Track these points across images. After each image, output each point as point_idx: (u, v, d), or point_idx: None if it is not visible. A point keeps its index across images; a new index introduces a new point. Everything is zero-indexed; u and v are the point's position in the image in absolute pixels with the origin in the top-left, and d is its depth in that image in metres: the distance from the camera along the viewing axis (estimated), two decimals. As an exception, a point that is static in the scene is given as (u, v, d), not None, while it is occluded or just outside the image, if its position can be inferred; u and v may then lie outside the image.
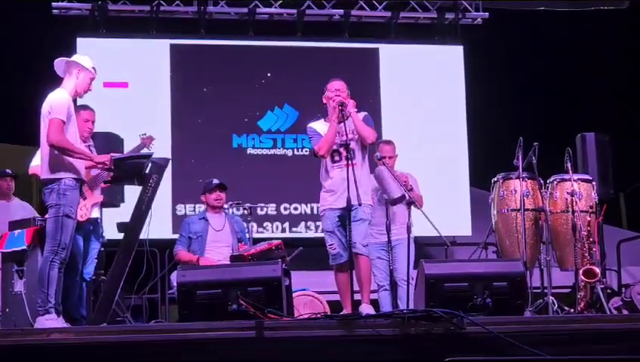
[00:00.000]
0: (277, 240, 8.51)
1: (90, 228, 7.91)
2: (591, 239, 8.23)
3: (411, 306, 7.72)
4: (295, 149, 12.17)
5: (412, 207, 8.29)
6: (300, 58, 12.41)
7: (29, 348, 5.98)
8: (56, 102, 6.96)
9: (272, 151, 12.14)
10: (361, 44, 12.67)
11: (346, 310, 7.43)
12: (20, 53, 11.25)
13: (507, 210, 8.49)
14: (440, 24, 12.75)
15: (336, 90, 7.72)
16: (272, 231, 11.65)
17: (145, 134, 8.63)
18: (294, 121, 12.15)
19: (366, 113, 7.95)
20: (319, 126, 7.85)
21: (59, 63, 7.20)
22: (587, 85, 12.58)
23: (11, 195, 9.80)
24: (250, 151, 12.10)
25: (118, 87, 11.84)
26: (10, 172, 9.77)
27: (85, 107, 8.08)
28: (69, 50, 8.54)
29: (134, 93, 11.88)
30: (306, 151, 11.57)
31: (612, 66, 12.51)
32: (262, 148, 12.13)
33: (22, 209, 9.51)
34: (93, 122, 8.08)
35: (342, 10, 12.55)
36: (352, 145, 7.58)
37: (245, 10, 12.33)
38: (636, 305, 8.37)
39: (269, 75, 12.26)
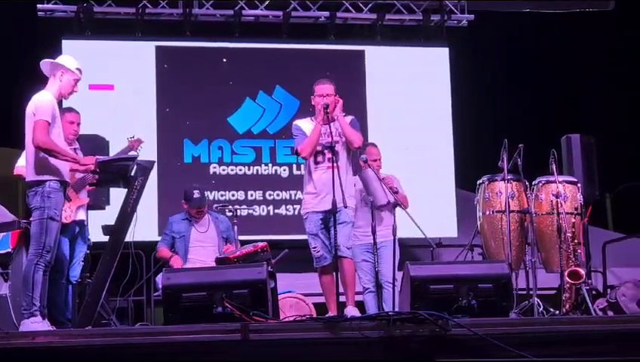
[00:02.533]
0: (262, 243, 8.50)
1: (77, 230, 7.89)
2: (576, 241, 8.25)
3: (396, 308, 7.74)
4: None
5: (397, 209, 8.32)
6: (286, 60, 12.42)
7: (14, 351, 5.95)
8: (40, 103, 6.95)
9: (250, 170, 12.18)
10: (347, 46, 12.67)
11: (331, 312, 7.44)
12: (5, 55, 11.21)
13: (492, 212, 8.49)
14: (425, 26, 12.76)
15: (323, 93, 7.71)
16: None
17: (133, 137, 8.63)
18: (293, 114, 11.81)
19: (353, 117, 7.96)
20: (305, 124, 7.84)
21: (44, 65, 7.19)
22: (572, 87, 12.62)
23: None
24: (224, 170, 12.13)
25: (104, 90, 11.82)
26: None
27: (70, 109, 8.07)
28: (55, 52, 8.51)
29: (120, 95, 11.85)
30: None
31: (598, 68, 12.56)
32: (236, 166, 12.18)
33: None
34: (78, 124, 8.06)
35: (327, 13, 12.55)
36: (338, 147, 7.59)
37: (231, 12, 12.32)
38: (621, 307, 8.39)
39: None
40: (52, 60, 7.21)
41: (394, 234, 8.26)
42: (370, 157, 8.41)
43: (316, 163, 7.68)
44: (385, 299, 8.40)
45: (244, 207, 10.83)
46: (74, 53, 7.76)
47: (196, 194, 9.06)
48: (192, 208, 9.03)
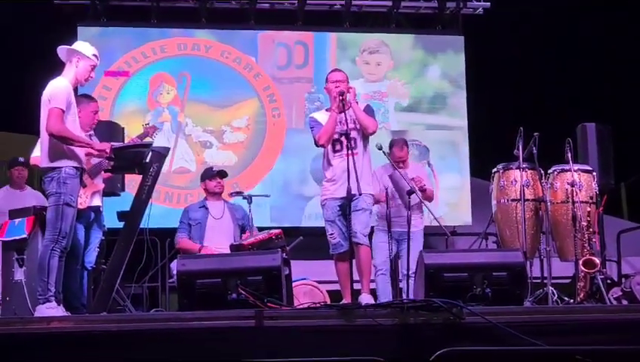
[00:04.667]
0: (277, 230, 8.49)
1: (92, 216, 7.89)
2: (591, 229, 8.22)
3: (411, 296, 7.75)
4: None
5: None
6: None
7: (29, 336, 5.98)
8: (55, 90, 6.96)
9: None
10: (362, 33, 12.65)
11: (346, 299, 7.44)
12: (22, 42, 11.25)
13: (507, 201, 8.48)
14: (441, 14, 12.74)
15: (336, 80, 7.75)
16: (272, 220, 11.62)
17: (148, 123, 8.65)
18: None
19: (367, 103, 8.03)
20: (320, 116, 7.88)
21: (61, 51, 7.21)
22: (588, 75, 12.56)
23: (24, 184, 9.81)
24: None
25: (120, 76, 11.86)
26: (22, 160, 9.74)
27: (92, 98, 8.08)
28: (70, 38, 8.52)
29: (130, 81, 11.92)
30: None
31: (614, 56, 12.50)
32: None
33: (35, 198, 9.51)
34: (97, 112, 8.09)
35: (343, 0, 12.52)
36: (353, 134, 7.60)
37: (246, -1, 12.34)
38: (636, 296, 8.38)
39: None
40: (68, 47, 7.21)
41: (408, 223, 8.40)
42: (392, 159, 8.60)
43: (334, 151, 7.70)
44: (403, 289, 8.46)
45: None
46: (89, 39, 7.78)
47: (215, 168, 9.12)
48: (213, 179, 9.05)
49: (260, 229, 9.02)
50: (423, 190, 8.66)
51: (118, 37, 12.03)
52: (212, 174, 9.13)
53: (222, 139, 12.13)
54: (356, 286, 7.54)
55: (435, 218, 9.20)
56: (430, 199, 8.86)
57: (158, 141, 10.78)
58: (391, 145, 9.04)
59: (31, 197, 9.55)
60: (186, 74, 12.14)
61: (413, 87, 12.54)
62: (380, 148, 8.49)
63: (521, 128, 8.27)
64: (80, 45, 7.27)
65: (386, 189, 8.64)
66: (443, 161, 12.31)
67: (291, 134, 12.21)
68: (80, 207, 7.44)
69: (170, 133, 11.98)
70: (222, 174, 9.16)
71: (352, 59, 12.43)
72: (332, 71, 8.05)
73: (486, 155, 10.82)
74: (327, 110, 7.89)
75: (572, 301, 8.00)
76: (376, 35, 12.66)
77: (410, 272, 8.36)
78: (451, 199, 12.20)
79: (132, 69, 12.02)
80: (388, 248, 8.59)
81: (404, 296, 8.22)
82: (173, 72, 12.16)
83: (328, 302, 7.98)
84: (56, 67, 7.24)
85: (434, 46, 12.66)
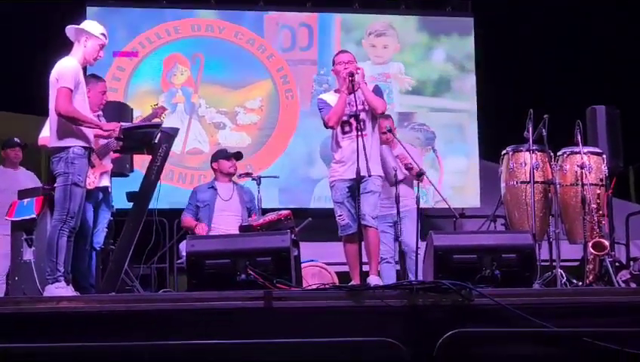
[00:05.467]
0: (286, 211, 8.50)
1: (101, 196, 7.88)
2: (600, 212, 8.21)
3: (419, 277, 7.76)
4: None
5: (422, 179, 8.43)
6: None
7: (38, 315, 6.00)
8: (64, 70, 6.95)
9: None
10: (372, 15, 12.62)
11: (355, 281, 7.44)
12: (30, 21, 11.22)
13: (516, 183, 8.45)
14: (451, -5, 12.72)
15: (345, 61, 7.72)
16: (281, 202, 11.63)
17: (157, 104, 8.63)
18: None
19: (376, 84, 7.99)
20: (329, 97, 7.84)
21: (69, 30, 7.19)
22: (599, 57, 12.52)
23: (18, 164, 9.81)
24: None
25: (128, 57, 11.86)
26: (18, 141, 9.77)
27: (99, 78, 8.07)
28: (79, 18, 8.49)
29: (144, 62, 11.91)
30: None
31: (624, 38, 12.44)
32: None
33: (29, 178, 9.52)
34: (106, 93, 8.08)
35: (352, -19, 12.51)
36: (363, 115, 7.57)
37: (256, -21, 12.31)
38: (644, 279, 8.37)
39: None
40: (77, 26, 7.19)
41: (417, 203, 8.32)
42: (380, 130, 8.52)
43: (344, 132, 7.66)
44: (409, 269, 8.43)
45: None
46: (98, 19, 7.76)
47: (229, 150, 9.14)
48: (229, 160, 9.05)
49: (264, 212, 9.00)
50: (409, 168, 8.56)
51: (128, 17, 12.02)
52: (228, 155, 9.13)
53: (235, 121, 12.13)
54: (365, 268, 7.54)
55: (444, 199, 9.20)
56: (416, 178, 8.69)
57: (172, 122, 10.96)
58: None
59: (24, 177, 9.55)
60: (200, 55, 12.14)
61: (418, 69, 12.53)
62: (389, 131, 8.51)
63: (531, 110, 8.23)
64: (88, 24, 7.25)
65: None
66: (450, 145, 12.31)
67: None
68: (88, 187, 7.44)
69: (184, 114, 11.99)
70: (238, 156, 9.17)
71: (357, 41, 12.40)
72: (339, 52, 7.99)
73: (495, 138, 10.79)
74: (335, 91, 7.86)
75: (581, 283, 7.99)
76: (381, 17, 12.63)
77: (410, 252, 8.44)
78: (457, 182, 12.20)
79: (146, 49, 12.02)
80: (389, 238, 8.57)
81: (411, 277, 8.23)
82: (186, 53, 12.17)
83: (337, 284, 7.98)
84: (65, 47, 7.23)
85: (439, 29, 12.64)
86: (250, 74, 12.26)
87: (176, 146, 11.42)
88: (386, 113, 8.36)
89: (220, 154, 9.22)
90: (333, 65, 7.86)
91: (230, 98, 12.15)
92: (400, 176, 8.41)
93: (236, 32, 12.24)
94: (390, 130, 8.58)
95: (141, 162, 8.71)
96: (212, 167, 9.20)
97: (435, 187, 8.64)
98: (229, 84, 12.17)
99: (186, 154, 11.85)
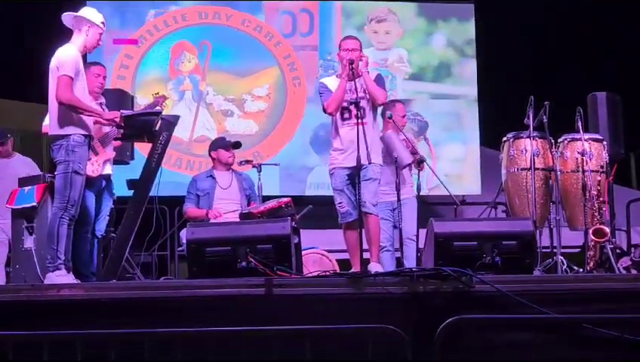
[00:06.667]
0: (286, 198, 8.49)
1: (103, 184, 7.87)
2: (601, 199, 8.21)
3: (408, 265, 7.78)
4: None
5: (418, 166, 8.44)
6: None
7: (39, 303, 6.01)
8: (64, 58, 6.95)
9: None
10: (373, 2, 12.60)
11: (355, 268, 7.44)
12: (29, 8, 11.19)
13: (517, 170, 8.45)
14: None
15: (348, 47, 7.69)
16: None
17: (157, 93, 8.61)
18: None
19: (379, 73, 7.98)
20: (330, 82, 7.81)
21: (67, 17, 7.18)
22: (600, 44, 12.49)
23: (11, 152, 9.69)
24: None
25: (128, 44, 11.85)
26: (7, 135, 9.64)
27: (96, 63, 8.06)
28: (79, 5, 8.47)
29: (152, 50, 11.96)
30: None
31: (625, 24, 12.42)
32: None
33: (23, 164, 9.47)
34: (104, 77, 8.03)
35: (353, -33, 12.48)
36: (363, 103, 7.55)
37: (256, -33, 12.28)
38: (645, 265, 8.37)
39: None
40: (75, 14, 7.19)
41: (418, 190, 8.33)
42: (399, 113, 8.55)
43: (343, 119, 7.64)
44: (407, 256, 8.43)
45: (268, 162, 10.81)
46: (98, 6, 7.75)
47: (231, 138, 9.15)
48: (228, 150, 9.04)
49: (264, 199, 9.00)
50: (413, 153, 8.54)
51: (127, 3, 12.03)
52: (227, 144, 9.10)
53: (243, 108, 12.11)
54: (365, 255, 7.54)
55: (445, 186, 9.20)
56: (417, 164, 8.67)
57: (180, 110, 11.16)
58: (390, 108, 8.78)
59: (19, 164, 9.49)
60: (207, 42, 12.13)
61: (418, 55, 12.52)
62: (390, 118, 8.50)
63: (532, 97, 8.22)
64: (88, 12, 7.24)
65: None
66: (448, 132, 12.30)
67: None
68: (92, 174, 7.46)
69: (192, 102, 11.99)
70: (236, 145, 9.16)
71: (358, 27, 12.35)
72: (345, 38, 7.95)
73: (496, 124, 10.79)
74: (337, 76, 7.84)
75: (581, 270, 7.99)
76: (382, 2, 12.61)
77: (405, 239, 8.44)
78: (457, 170, 12.19)
79: (153, 37, 12.02)
80: (388, 225, 8.56)
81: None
82: (194, 40, 12.16)
83: (338, 271, 7.99)
84: (64, 35, 7.22)
85: (438, 14, 12.60)
86: (258, 61, 12.24)
87: (184, 134, 11.57)
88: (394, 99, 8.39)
89: (219, 143, 9.19)
90: (339, 50, 7.83)
91: (238, 85, 12.15)
92: (409, 160, 8.33)
93: (243, 19, 12.22)
94: (391, 117, 8.55)
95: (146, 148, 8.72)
96: (210, 155, 9.17)
97: (435, 174, 8.61)
98: (237, 71, 12.16)
99: (193, 141, 11.83)
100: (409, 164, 8.30)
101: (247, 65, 12.21)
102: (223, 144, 9.15)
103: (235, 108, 12.08)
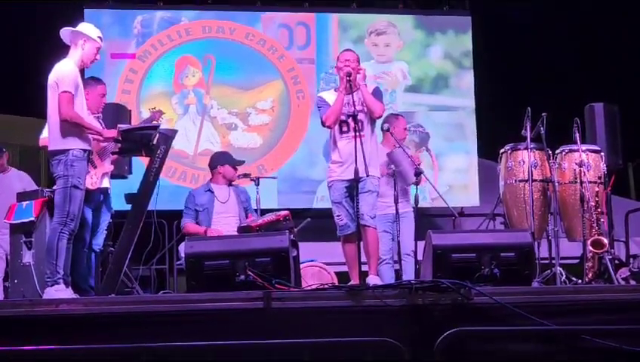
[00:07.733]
0: (285, 211, 8.49)
1: (101, 198, 7.87)
2: (599, 210, 8.21)
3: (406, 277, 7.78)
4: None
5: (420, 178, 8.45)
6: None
7: (38, 318, 6.00)
8: (63, 74, 6.96)
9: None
10: (370, 14, 12.62)
11: (354, 281, 7.44)
12: (27, 23, 11.22)
13: (515, 181, 8.45)
14: (448, -7, 12.73)
15: (345, 60, 7.70)
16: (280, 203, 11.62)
17: (154, 108, 8.62)
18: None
19: (376, 86, 7.99)
20: (328, 96, 7.83)
21: (64, 33, 7.20)
22: (596, 55, 12.52)
23: (7, 167, 9.72)
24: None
25: (126, 58, 11.88)
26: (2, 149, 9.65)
27: (98, 80, 8.06)
28: (77, 20, 8.49)
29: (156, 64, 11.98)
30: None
31: (621, 36, 12.44)
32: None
33: (18, 179, 9.48)
34: (105, 95, 8.07)
35: (350, -20, 12.51)
36: (361, 116, 7.56)
37: (253, -20, 12.30)
38: (644, 276, 8.37)
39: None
40: (72, 28, 7.22)
41: (416, 203, 8.34)
42: (400, 127, 8.58)
43: (341, 132, 7.65)
44: (405, 271, 8.43)
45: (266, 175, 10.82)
46: (95, 21, 7.77)
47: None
48: (236, 169, 9.05)
49: (263, 212, 8.99)
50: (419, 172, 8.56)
51: (128, 19, 12.04)
52: (235, 162, 9.08)
53: (247, 121, 12.14)
54: (364, 268, 7.54)
55: (443, 198, 9.20)
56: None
57: (184, 124, 11.33)
58: (392, 122, 8.86)
59: (14, 179, 9.50)
60: (211, 56, 12.16)
61: (416, 67, 12.54)
62: (387, 130, 8.51)
63: (529, 108, 8.23)
64: (85, 27, 7.27)
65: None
66: (449, 143, 12.31)
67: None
68: (91, 187, 7.46)
69: (196, 116, 12.01)
70: (240, 164, 9.17)
71: (354, 40, 12.37)
72: (343, 51, 7.97)
73: (494, 136, 10.80)
74: (335, 90, 7.85)
75: (580, 281, 7.99)
76: (379, 15, 12.63)
77: (403, 254, 8.48)
78: (456, 181, 12.20)
79: (158, 52, 12.04)
80: (388, 238, 8.57)
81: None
82: (198, 54, 12.19)
83: (336, 284, 7.98)
84: (62, 50, 7.23)
85: (435, 26, 12.64)
86: (261, 75, 12.28)
87: (189, 147, 11.61)
88: (397, 115, 8.42)
89: (226, 160, 9.12)
90: (337, 62, 7.84)
91: (242, 99, 12.18)
92: (413, 180, 8.42)
93: (247, 33, 12.26)
94: (388, 130, 8.56)
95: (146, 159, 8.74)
96: (214, 169, 9.12)
97: (433, 186, 8.61)
98: (241, 85, 12.19)
99: (198, 155, 11.84)
100: (417, 181, 8.37)
101: (250, 78, 12.25)
102: (232, 161, 9.10)
103: (239, 122, 12.10)
